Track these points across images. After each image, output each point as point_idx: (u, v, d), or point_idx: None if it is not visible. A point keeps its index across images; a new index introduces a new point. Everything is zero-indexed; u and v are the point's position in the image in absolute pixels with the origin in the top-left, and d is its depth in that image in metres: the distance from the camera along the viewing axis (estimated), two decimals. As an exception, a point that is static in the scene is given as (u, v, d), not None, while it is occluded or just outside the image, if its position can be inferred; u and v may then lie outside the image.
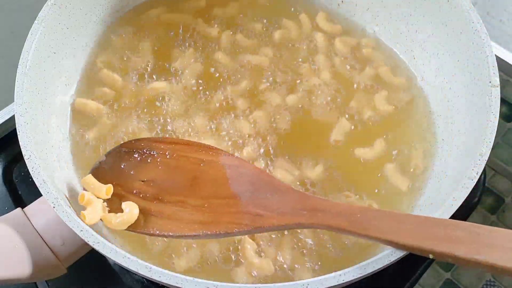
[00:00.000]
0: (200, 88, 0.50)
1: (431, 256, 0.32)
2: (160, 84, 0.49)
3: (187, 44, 0.52)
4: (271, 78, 0.50)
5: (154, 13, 0.54)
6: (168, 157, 0.41)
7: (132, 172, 0.41)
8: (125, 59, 0.51)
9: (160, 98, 0.49)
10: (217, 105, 0.48)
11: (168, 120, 0.48)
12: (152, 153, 0.42)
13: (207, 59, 0.52)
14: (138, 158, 0.42)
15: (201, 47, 0.52)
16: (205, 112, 0.48)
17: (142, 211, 0.39)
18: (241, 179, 0.39)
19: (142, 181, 0.41)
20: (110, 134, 0.47)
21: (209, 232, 0.37)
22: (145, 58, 0.51)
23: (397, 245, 0.33)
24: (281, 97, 0.49)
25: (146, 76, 0.50)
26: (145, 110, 0.48)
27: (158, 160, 0.41)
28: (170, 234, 0.38)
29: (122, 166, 0.42)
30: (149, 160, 0.41)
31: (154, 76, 0.50)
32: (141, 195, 0.40)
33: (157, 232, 0.38)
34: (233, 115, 0.48)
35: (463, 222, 0.33)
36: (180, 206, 0.39)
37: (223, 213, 0.38)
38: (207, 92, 0.50)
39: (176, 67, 0.51)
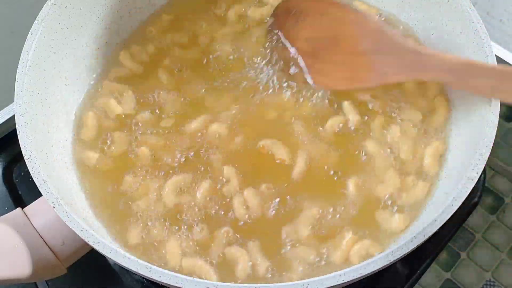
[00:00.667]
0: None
1: None
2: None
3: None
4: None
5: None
6: (314, 16, 0.47)
7: (294, 30, 0.48)
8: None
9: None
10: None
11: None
12: (301, 12, 0.48)
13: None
14: (294, 18, 0.48)
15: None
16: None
17: (307, 64, 0.47)
18: (369, 37, 0.44)
19: (305, 38, 0.48)
20: (110, 133, 0.47)
21: (351, 86, 0.46)
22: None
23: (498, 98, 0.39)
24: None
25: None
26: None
27: (308, 19, 0.47)
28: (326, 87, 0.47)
29: (286, 24, 0.49)
30: (301, 20, 0.48)
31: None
32: (305, 51, 0.48)
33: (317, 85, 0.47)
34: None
35: None
36: (328, 63, 0.46)
37: (358, 70, 0.45)
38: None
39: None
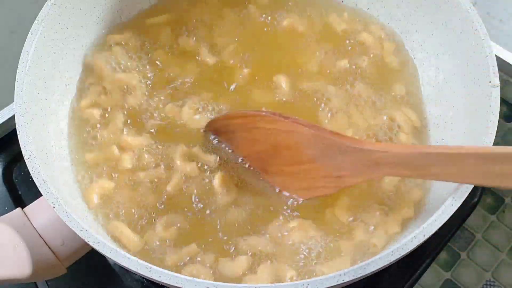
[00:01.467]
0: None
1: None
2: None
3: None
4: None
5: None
6: (245, 132, 0.44)
7: (233, 146, 0.45)
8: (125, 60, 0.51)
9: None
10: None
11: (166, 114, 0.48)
12: (231, 129, 0.45)
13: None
14: (226, 136, 0.45)
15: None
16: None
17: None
18: (310, 144, 0.41)
19: (244, 156, 0.45)
20: (110, 132, 0.47)
21: (312, 197, 0.43)
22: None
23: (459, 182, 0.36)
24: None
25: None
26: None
27: (239, 135, 0.44)
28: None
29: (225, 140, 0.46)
30: (233, 137, 0.45)
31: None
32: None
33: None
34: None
35: None
36: (282, 175, 0.43)
37: (313, 178, 0.42)
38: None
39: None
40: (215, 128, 0.46)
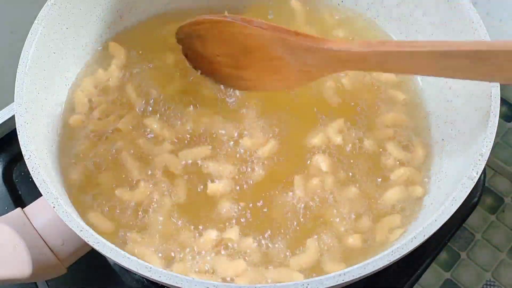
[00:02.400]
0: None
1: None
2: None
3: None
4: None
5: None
6: (217, 34, 0.46)
7: (202, 50, 0.48)
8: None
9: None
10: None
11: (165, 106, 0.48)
12: (201, 33, 0.47)
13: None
14: (198, 40, 0.48)
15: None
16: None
17: (230, 75, 0.48)
18: (276, 45, 0.44)
19: (216, 55, 0.47)
20: (110, 133, 0.47)
21: (286, 87, 0.47)
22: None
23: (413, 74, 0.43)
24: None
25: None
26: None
27: (211, 37, 0.47)
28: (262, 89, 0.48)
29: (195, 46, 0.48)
30: (206, 39, 0.47)
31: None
32: (223, 65, 0.47)
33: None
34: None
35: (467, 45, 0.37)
36: (255, 70, 0.46)
37: (287, 71, 0.45)
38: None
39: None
40: (185, 33, 0.48)
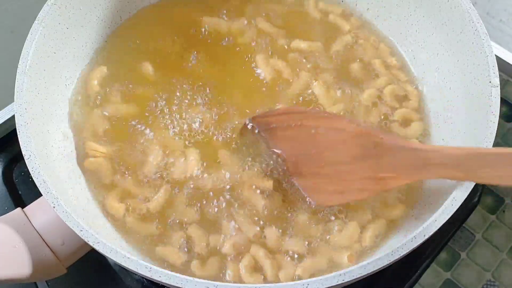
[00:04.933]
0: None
1: None
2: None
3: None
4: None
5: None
6: (287, 129, 0.42)
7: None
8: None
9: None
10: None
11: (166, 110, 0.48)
12: (271, 126, 0.42)
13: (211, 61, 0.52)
14: (263, 134, 0.43)
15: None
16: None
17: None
18: (355, 143, 0.39)
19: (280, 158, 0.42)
20: (110, 134, 0.47)
21: (346, 201, 0.40)
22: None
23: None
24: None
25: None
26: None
27: (279, 133, 0.42)
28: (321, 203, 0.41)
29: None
30: (273, 134, 0.42)
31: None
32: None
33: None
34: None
35: None
36: (317, 177, 0.41)
37: (351, 180, 0.39)
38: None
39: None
40: (258, 123, 0.44)
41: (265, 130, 0.43)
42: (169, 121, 0.47)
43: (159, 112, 0.48)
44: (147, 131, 0.47)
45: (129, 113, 0.48)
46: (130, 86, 0.49)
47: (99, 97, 0.49)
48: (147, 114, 0.48)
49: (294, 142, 0.41)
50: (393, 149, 0.38)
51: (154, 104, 0.48)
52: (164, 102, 0.48)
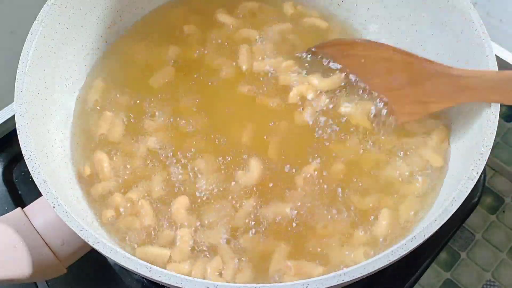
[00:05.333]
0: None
1: None
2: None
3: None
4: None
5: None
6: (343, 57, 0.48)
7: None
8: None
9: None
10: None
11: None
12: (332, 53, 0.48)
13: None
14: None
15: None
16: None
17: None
18: (401, 70, 0.44)
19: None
20: (110, 134, 0.47)
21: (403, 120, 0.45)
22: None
23: None
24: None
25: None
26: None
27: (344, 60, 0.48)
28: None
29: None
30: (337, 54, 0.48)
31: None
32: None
33: None
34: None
35: None
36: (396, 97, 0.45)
37: (403, 103, 0.44)
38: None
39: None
40: (320, 47, 0.49)
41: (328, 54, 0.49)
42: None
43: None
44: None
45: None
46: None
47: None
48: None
49: (355, 62, 0.47)
50: (434, 75, 0.41)
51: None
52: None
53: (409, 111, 0.44)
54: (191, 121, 0.48)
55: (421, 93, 0.43)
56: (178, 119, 0.48)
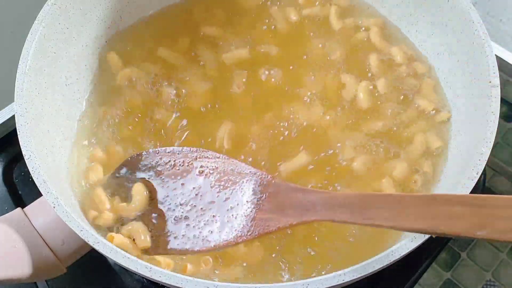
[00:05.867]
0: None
1: (434, 236, 0.32)
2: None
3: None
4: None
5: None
6: (169, 169, 0.41)
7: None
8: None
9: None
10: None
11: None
12: (155, 166, 0.42)
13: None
14: (147, 176, 0.42)
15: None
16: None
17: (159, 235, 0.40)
18: (240, 184, 0.40)
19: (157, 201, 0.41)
20: (110, 135, 0.47)
21: (222, 245, 0.38)
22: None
23: (400, 229, 0.34)
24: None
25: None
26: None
27: (161, 175, 0.42)
28: (188, 251, 0.39)
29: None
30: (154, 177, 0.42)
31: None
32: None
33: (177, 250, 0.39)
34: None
35: (466, 195, 0.33)
36: (190, 221, 0.40)
37: (233, 222, 0.39)
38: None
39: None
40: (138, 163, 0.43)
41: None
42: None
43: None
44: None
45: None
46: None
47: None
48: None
49: (174, 184, 0.41)
50: (280, 191, 0.38)
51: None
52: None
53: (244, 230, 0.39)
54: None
55: (260, 208, 0.39)
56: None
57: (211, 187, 0.40)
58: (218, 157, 0.42)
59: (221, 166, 0.41)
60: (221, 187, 0.40)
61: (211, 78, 0.50)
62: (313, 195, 0.37)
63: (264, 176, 0.40)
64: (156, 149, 0.43)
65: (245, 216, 0.39)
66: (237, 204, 0.40)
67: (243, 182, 0.40)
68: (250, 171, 0.41)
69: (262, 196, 0.39)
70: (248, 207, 0.39)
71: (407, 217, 0.32)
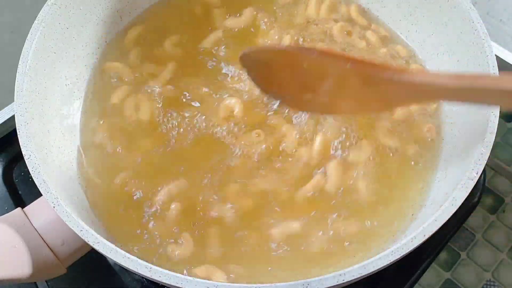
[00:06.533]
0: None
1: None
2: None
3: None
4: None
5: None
6: (285, 64, 0.42)
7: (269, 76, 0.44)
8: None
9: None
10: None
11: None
12: (270, 61, 0.43)
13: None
14: (265, 66, 0.44)
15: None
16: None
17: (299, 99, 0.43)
18: (358, 77, 0.39)
19: (285, 82, 0.43)
20: (111, 135, 0.47)
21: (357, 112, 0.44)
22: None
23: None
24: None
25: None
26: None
27: (279, 65, 0.43)
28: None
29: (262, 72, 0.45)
30: (272, 66, 0.43)
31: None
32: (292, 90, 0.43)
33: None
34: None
35: None
36: (328, 96, 0.41)
37: (364, 99, 0.40)
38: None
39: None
40: (251, 59, 0.45)
41: (263, 64, 0.44)
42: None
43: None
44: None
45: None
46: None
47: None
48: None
49: (293, 73, 0.42)
50: (387, 82, 0.38)
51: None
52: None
53: (370, 105, 0.41)
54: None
55: (380, 96, 0.39)
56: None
57: None
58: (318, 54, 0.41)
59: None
60: None
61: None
62: (420, 82, 0.37)
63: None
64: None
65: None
66: None
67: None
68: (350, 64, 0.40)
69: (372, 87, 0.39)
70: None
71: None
